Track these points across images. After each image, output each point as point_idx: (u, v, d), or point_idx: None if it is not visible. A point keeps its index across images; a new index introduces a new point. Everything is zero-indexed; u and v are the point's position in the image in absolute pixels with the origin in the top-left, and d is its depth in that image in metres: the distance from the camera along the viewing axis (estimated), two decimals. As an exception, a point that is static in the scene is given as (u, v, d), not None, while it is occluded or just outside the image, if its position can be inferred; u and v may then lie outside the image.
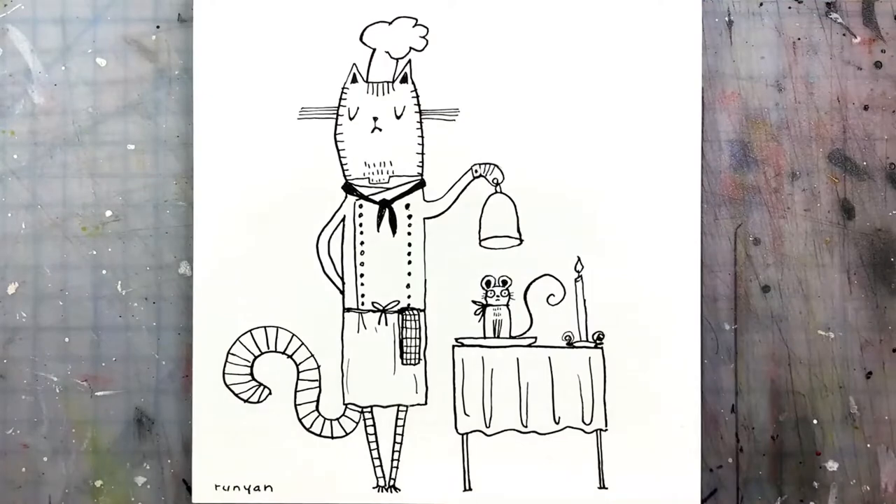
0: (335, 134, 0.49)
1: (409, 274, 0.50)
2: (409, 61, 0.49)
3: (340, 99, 0.49)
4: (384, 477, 0.49)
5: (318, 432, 0.49)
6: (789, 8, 0.50)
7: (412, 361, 0.50)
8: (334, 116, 0.49)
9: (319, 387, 0.50)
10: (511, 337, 0.50)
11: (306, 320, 0.49)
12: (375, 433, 0.49)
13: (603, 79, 0.49)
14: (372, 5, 0.49)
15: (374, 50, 0.49)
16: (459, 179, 0.49)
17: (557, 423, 0.49)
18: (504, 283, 0.50)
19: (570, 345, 0.49)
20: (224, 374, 0.49)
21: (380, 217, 0.50)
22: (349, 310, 0.49)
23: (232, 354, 0.49)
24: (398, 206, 0.49)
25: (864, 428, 0.50)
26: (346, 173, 0.49)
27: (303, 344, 0.49)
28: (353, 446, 0.49)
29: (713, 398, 0.47)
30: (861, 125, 0.50)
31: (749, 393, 0.50)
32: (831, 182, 0.50)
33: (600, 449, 0.49)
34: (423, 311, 0.50)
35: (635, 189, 0.49)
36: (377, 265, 0.50)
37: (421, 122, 0.49)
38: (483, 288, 0.49)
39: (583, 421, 0.49)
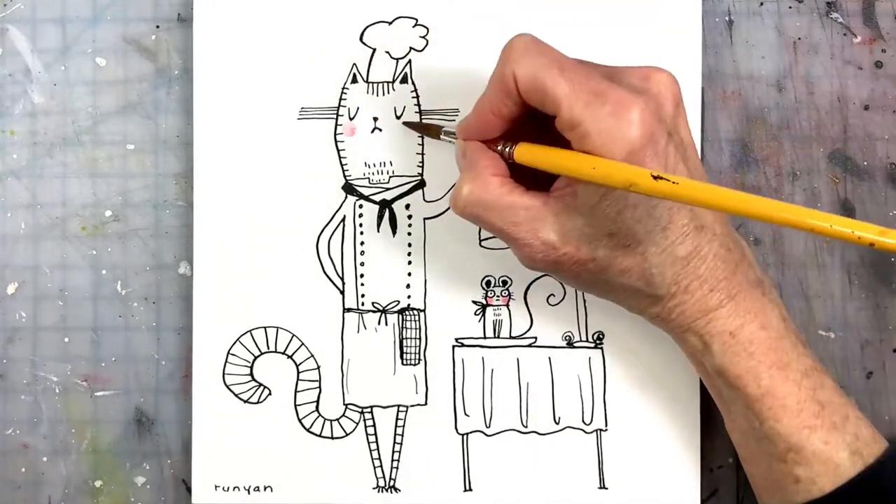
0: (335, 134, 0.49)
1: (409, 274, 0.49)
2: (409, 61, 0.49)
3: (340, 99, 0.49)
4: (384, 477, 0.49)
5: (318, 433, 0.49)
6: (790, 8, 0.50)
7: (412, 362, 0.49)
8: (334, 116, 0.49)
9: (319, 387, 0.49)
10: (511, 337, 0.50)
11: (306, 320, 0.49)
12: (375, 433, 0.49)
13: (603, 79, 0.49)
14: (372, 5, 0.49)
15: (375, 50, 0.49)
16: (459, 179, 0.49)
17: (557, 424, 0.49)
18: (504, 283, 0.49)
19: (570, 345, 0.49)
20: (224, 374, 0.49)
21: (380, 217, 0.50)
22: (349, 310, 0.49)
23: (232, 355, 0.49)
24: (398, 207, 0.49)
25: (865, 428, 0.50)
26: (346, 173, 0.49)
27: (303, 344, 0.49)
28: (353, 447, 0.49)
29: (713, 398, 0.47)
30: (861, 125, 0.50)
31: (749, 393, 0.50)
32: (831, 182, 0.50)
33: (600, 449, 0.49)
34: (424, 311, 0.49)
35: (635, 189, 0.49)
36: (377, 265, 0.50)
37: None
38: (483, 288, 0.49)
39: (583, 421, 0.49)
